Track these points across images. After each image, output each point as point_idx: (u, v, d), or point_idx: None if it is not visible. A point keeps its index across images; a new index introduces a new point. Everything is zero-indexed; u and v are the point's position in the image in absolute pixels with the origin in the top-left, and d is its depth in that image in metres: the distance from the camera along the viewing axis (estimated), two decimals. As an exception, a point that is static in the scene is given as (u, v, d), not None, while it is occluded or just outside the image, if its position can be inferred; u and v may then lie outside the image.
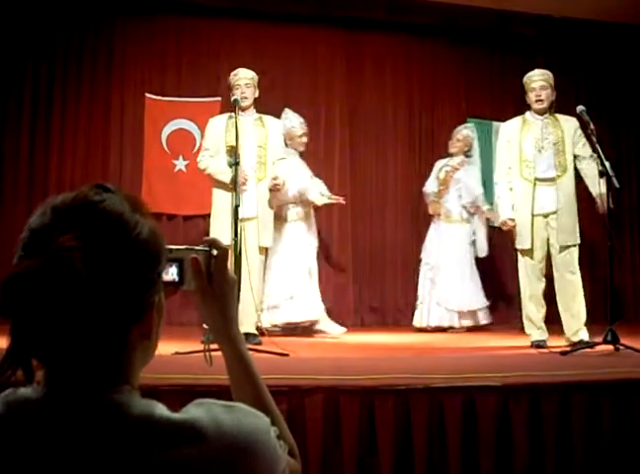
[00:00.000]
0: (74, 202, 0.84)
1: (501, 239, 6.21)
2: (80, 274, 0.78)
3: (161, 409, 0.83)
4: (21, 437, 0.79)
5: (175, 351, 3.61)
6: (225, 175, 4.51)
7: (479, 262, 6.15)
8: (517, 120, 4.68)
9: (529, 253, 4.50)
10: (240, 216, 4.41)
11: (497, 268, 6.72)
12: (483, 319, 5.98)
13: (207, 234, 4.64)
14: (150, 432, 0.80)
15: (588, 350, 3.99)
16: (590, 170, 4.38)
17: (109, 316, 0.81)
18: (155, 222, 0.89)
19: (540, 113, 4.59)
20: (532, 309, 4.52)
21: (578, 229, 4.51)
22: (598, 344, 4.01)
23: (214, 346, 1.25)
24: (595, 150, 4.25)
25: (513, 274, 5.48)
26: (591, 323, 4.41)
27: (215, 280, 1.06)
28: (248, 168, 4.57)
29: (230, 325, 1.08)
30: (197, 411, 0.84)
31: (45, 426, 0.79)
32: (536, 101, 4.57)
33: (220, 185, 4.61)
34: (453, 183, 6.05)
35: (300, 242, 5.40)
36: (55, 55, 6.21)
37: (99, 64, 6.37)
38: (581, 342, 4.26)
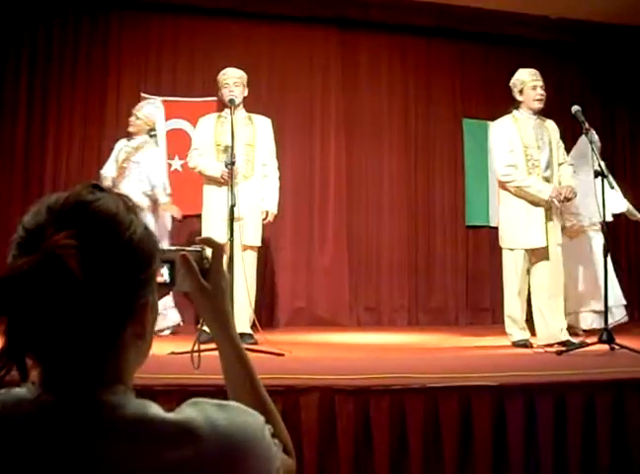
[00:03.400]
0: (68, 201, 0.83)
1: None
2: (74, 272, 0.78)
3: (156, 409, 0.83)
4: (15, 437, 0.78)
5: (170, 350, 3.61)
6: (215, 169, 4.58)
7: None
8: (508, 119, 4.65)
9: (536, 251, 4.47)
10: (236, 215, 4.44)
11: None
12: None
13: (201, 233, 4.65)
14: (145, 432, 0.80)
15: (583, 349, 4.00)
16: (565, 174, 4.58)
17: (103, 315, 0.81)
18: (149, 222, 0.89)
19: (536, 112, 4.61)
20: (517, 307, 4.52)
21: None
22: (590, 344, 4.02)
23: (206, 347, 1.25)
24: (592, 149, 4.31)
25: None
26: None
27: (212, 277, 1.06)
28: (236, 166, 4.44)
29: (229, 322, 1.09)
30: (191, 411, 0.84)
31: (39, 425, 0.79)
32: (538, 100, 4.58)
33: (211, 182, 4.64)
34: (133, 166, 5.19)
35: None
36: (51, 55, 6.20)
37: (95, 64, 6.36)
38: (568, 342, 4.29)
